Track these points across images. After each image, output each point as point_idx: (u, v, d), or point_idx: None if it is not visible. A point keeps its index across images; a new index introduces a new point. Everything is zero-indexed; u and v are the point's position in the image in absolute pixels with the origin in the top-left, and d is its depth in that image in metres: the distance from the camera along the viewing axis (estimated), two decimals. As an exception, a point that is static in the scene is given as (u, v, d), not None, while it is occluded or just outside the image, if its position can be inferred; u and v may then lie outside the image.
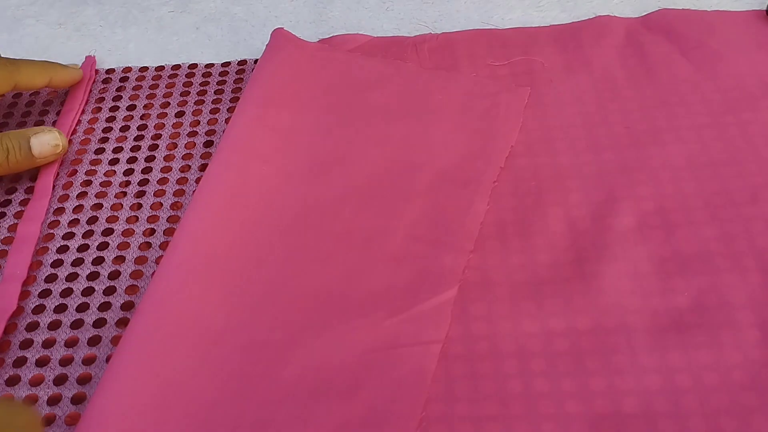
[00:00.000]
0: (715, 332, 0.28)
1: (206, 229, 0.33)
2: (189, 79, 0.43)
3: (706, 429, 0.26)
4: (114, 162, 0.39)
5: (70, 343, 0.31)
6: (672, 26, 0.41)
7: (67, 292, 0.33)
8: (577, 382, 0.27)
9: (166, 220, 0.36)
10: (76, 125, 0.42)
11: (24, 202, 0.37)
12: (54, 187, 0.38)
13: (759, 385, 0.27)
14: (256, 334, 0.30)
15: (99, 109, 0.42)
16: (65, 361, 0.31)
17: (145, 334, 0.29)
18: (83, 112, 0.42)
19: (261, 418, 0.27)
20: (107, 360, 0.30)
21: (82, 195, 0.37)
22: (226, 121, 0.41)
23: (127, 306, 0.32)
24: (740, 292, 0.29)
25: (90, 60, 0.45)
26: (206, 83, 0.43)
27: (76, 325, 0.32)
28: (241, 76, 0.43)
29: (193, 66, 0.44)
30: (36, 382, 0.30)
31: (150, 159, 0.39)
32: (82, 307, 0.32)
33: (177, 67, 0.44)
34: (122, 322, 0.32)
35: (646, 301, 0.29)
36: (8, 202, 0.38)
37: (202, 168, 0.38)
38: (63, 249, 0.35)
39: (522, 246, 0.32)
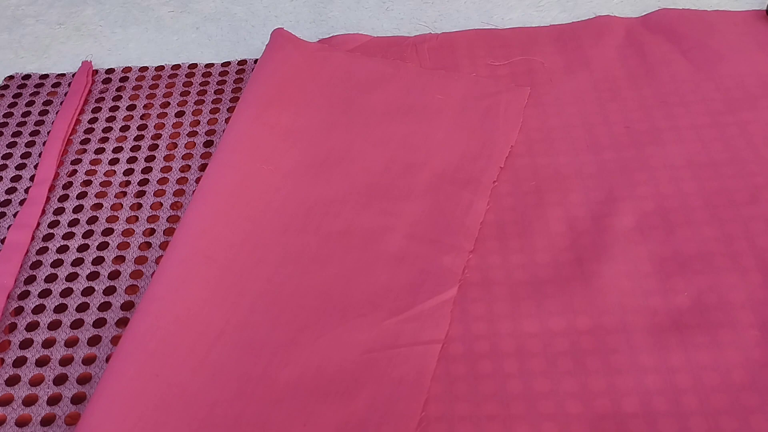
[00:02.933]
0: (715, 332, 0.28)
1: (206, 229, 0.33)
2: (189, 79, 0.43)
3: (706, 429, 0.26)
4: (114, 162, 0.39)
5: (70, 343, 0.31)
6: (672, 26, 0.41)
7: (67, 292, 0.33)
8: (577, 382, 0.27)
9: (166, 220, 0.36)
10: (76, 125, 0.42)
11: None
12: (53, 187, 0.38)
13: (759, 385, 0.27)
14: (256, 333, 0.30)
15: (99, 109, 0.42)
16: (65, 361, 0.31)
17: (145, 333, 0.29)
18: (83, 111, 0.42)
19: (261, 418, 0.27)
20: (107, 360, 0.30)
21: (82, 195, 0.37)
22: (226, 121, 0.40)
23: (127, 306, 0.32)
24: (740, 292, 0.29)
25: (86, 65, 0.45)
26: (206, 83, 0.43)
27: (76, 325, 0.32)
28: (241, 76, 0.43)
29: (193, 66, 0.44)
30: (36, 382, 0.30)
31: (150, 159, 0.39)
32: (82, 307, 0.32)
33: (177, 66, 0.44)
34: (122, 322, 0.32)
35: (646, 301, 0.29)
36: (7, 202, 0.38)
37: (202, 168, 0.38)
38: (63, 249, 0.35)
39: (522, 246, 0.32)
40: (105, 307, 0.32)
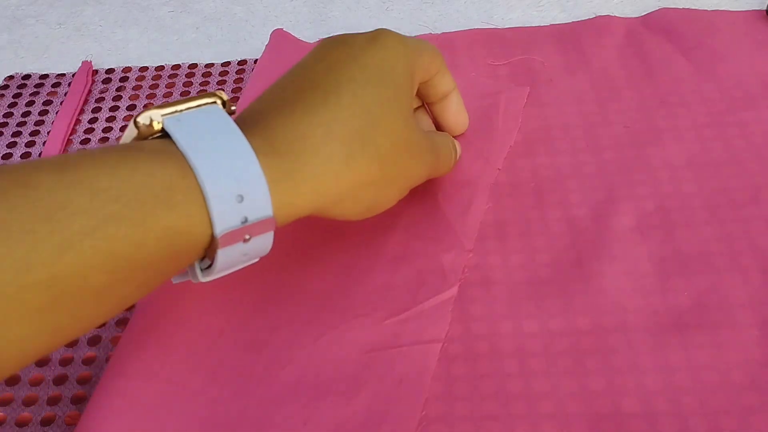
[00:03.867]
0: (715, 332, 0.28)
1: None
2: (189, 79, 0.44)
3: (706, 429, 0.26)
4: (114, 162, 0.39)
5: (70, 343, 0.31)
6: (672, 26, 0.41)
7: (67, 292, 0.33)
8: (577, 382, 0.27)
9: (166, 220, 0.36)
10: (76, 125, 0.42)
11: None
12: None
13: (759, 385, 0.27)
14: (256, 333, 0.30)
15: (99, 109, 0.42)
16: (65, 361, 0.31)
17: (144, 333, 0.29)
18: (83, 111, 0.42)
19: (261, 417, 0.27)
20: (107, 360, 0.30)
21: (82, 195, 0.37)
22: (226, 121, 0.40)
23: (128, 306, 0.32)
24: (740, 292, 0.29)
25: (86, 65, 0.45)
26: (206, 83, 0.43)
27: (76, 325, 0.32)
28: (241, 76, 0.43)
29: (193, 66, 0.44)
30: (36, 382, 0.30)
31: (150, 159, 0.39)
32: (82, 307, 0.32)
33: (177, 66, 0.44)
34: (122, 322, 0.32)
35: (646, 300, 0.29)
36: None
37: (202, 168, 0.38)
38: (63, 249, 0.35)
39: (522, 246, 0.32)
40: (105, 307, 0.32)
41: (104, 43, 0.47)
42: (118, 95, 0.43)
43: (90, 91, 0.44)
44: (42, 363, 0.31)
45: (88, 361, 0.31)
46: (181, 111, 0.23)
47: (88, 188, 0.20)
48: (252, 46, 0.46)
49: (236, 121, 0.24)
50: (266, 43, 0.43)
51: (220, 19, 0.48)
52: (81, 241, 0.19)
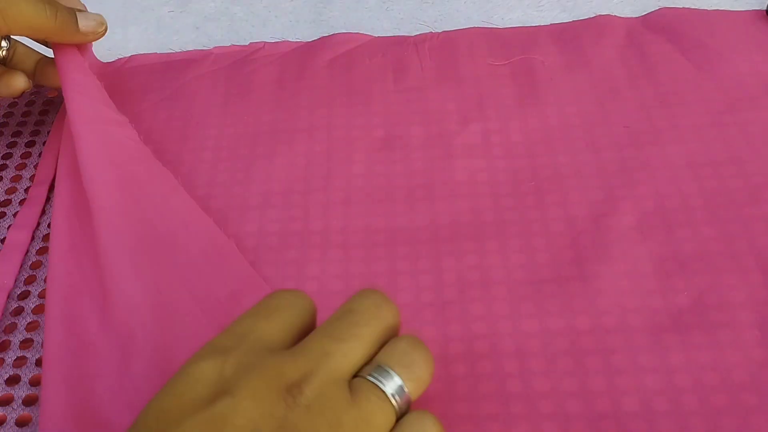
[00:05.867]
0: (715, 332, 0.28)
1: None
2: (189, 79, 0.43)
3: (706, 429, 0.26)
4: (114, 162, 0.39)
5: (70, 343, 0.31)
6: (672, 26, 0.41)
7: (67, 292, 0.33)
8: (577, 382, 0.27)
9: (166, 220, 0.36)
10: (76, 125, 0.41)
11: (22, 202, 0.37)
12: (53, 187, 0.38)
13: (759, 385, 0.27)
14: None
15: (99, 109, 0.42)
16: (65, 361, 0.31)
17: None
18: (83, 111, 0.42)
19: None
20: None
21: (82, 195, 0.37)
22: (226, 120, 0.40)
23: (127, 306, 0.32)
24: (740, 292, 0.29)
25: None
26: (206, 83, 0.43)
27: (76, 324, 0.32)
28: (241, 76, 0.43)
29: (193, 66, 0.44)
30: (36, 382, 0.30)
31: (150, 159, 0.39)
32: (82, 307, 0.32)
33: (177, 66, 0.44)
34: (122, 322, 0.32)
35: (646, 300, 0.29)
36: (7, 202, 0.38)
37: (202, 168, 0.38)
38: (63, 249, 0.35)
39: (522, 246, 0.32)
40: (105, 307, 0.32)
41: (104, 43, 0.47)
42: (118, 95, 0.43)
43: (90, 91, 0.44)
44: (42, 363, 0.31)
45: (88, 361, 0.30)
46: None
47: None
48: (252, 46, 0.46)
49: None
50: (266, 42, 0.43)
51: (220, 19, 0.48)
52: None
